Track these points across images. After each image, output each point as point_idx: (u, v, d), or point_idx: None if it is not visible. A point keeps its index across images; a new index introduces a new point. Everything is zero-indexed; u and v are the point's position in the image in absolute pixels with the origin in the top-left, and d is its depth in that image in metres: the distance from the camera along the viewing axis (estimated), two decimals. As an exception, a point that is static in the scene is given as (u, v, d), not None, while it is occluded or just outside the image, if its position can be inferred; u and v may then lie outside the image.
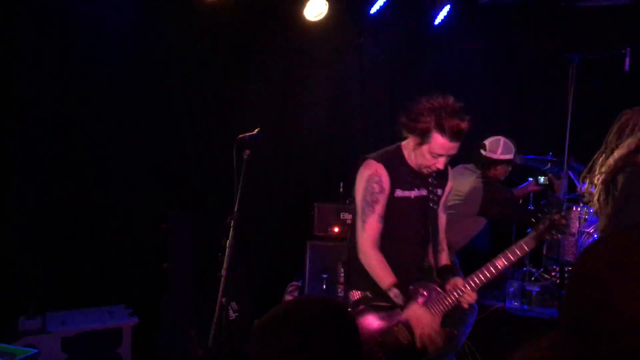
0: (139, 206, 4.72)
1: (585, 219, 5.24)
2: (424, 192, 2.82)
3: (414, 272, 2.84)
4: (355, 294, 2.84)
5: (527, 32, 6.02)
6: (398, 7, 5.52)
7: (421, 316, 2.63)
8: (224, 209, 3.43)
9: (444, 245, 2.94)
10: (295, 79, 5.40)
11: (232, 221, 2.90)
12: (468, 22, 5.79)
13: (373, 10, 5.30)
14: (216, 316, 2.87)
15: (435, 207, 2.86)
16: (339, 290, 4.79)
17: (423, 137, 2.60)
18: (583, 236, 5.11)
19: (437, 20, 5.57)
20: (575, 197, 5.27)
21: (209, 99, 5.06)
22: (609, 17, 6.06)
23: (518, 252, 2.75)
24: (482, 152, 4.21)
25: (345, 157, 5.56)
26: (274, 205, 5.24)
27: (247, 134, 2.93)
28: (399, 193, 2.75)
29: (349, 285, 2.92)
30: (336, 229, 4.89)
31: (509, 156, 4.19)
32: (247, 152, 2.91)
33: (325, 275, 4.76)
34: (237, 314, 4.45)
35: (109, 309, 4.38)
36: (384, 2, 5.29)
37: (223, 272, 2.86)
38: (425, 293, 2.77)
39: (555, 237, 2.84)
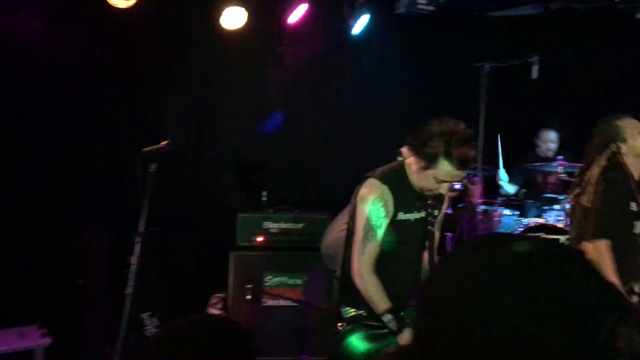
0: (50, 221, 4.54)
1: (501, 221, 5.45)
2: (423, 214, 2.80)
3: (408, 292, 2.84)
4: (349, 311, 2.82)
5: (443, 41, 6.22)
6: (317, 16, 5.57)
7: (408, 338, 2.61)
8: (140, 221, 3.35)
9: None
10: (216, 88, 5.36)
11: (138, 238, 2.82)
12: (385, 31, 5.93)
13: (292, 19, 5.32)
14: (122, 334, 2.79)
15: (432, 228, 2.83)
16: (263, 300, 4.78)
17: (429, 161, 2.55)
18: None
19: (357, 30, 5.65)
20: (490, 200, 5.48)
21: (125, 109, 4.94)
22: (519, 26, 6.35)
23: None
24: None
25: (269, 166, 5.56)
26: (196, 216, 5.16)
27: (154, 147, 2.87)
28: (401, 216, 2.72)
29: (342, 302, 2.88)
30: (260, 239, 4.87)
31: None
32: (154, 165, 2.84)
33: (249, 286, 4.73)
34: (158, 329, 4.35)
35: (20, 329, 4.17)
36: (304, 11, 5.32)
37: (129, 289, 2.78)
38: None
39: None
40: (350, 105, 5.88)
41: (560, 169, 5.18)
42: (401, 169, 2.75)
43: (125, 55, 4.91)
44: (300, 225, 4.92)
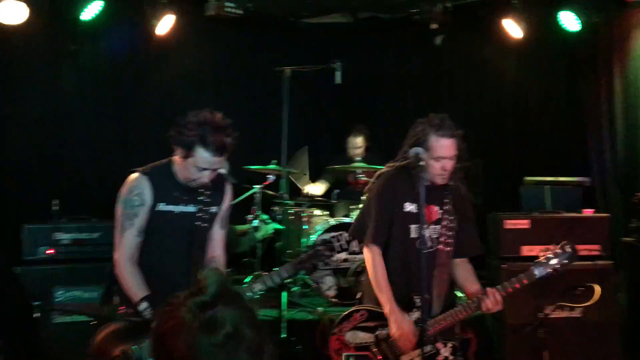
0: None
1: (311, 221, 5.56)
2: (191, 209, 2.80)
3: (182, 286, 2.71)
4: (121, 310, 2.77)
5: (253, 45, 6.27)
6: (117, 14, 5.33)
7: None
8: None
9: (220, 263, 2.92)
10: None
11: None
12: (194, 32, 5.84)
13: (86, 16, 5.02)
14: None
15: (205, 225, 2.83)
16: (54, 316, 4.43)
17: (188, 150, 2.61)
18: (308, 237, 5.40)
19: (161, 30, 5.48)
20: (299, 201, 5.58)
21: None
22: (329, 33, 6.58)
23: (271, 281, 2.87)
24: None
25: (62, 173, 5.20)
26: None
27: None
28: (162, 207, 2.74)
29: (121, 302, 2.81)
30: (50, 251, 4.51)
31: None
32: None
33: (37, 303, 4.35)
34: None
35: None
36: (100, 9, 5.04)
37: None
38: None
39: (315, 265, 3.04)
40: (156, 107, 5.70)
41: (359, 171, 5.42)
42: (168, 163, 2.81)
43: None
44: (96, 235, 4.63)
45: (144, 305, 2.62)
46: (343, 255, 5.04)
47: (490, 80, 6.23)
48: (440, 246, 2.90)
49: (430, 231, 2.92)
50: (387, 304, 2.82)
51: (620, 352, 4.16)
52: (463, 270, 2.99)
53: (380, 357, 2.87)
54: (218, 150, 2.61)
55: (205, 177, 2.69)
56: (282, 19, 6.46)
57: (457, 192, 2.93)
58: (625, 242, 4.56)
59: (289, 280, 5.32)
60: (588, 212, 4.48)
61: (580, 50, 5.58)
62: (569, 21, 5.26)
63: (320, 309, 4.73)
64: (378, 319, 2.88)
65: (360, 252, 5.04)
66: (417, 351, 2.79)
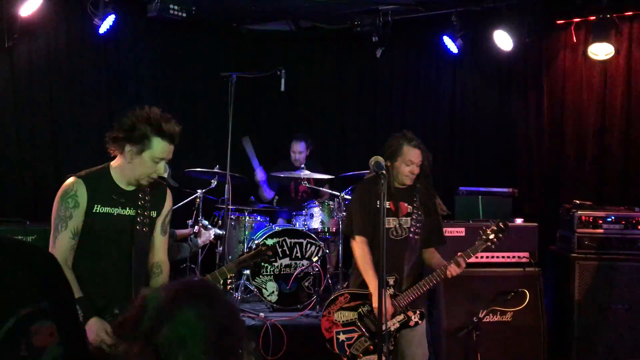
0: None
1: (253, 227, 5.58)
2: (130, 212, 2.80)
3: (122, 290, 2.77)
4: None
5: (195, 48, 6.23)
6: (57, 11, 5.17)
7: (92, 326, 2.59)
8: None
9: (164, 268, 2.95)
10: None
11: None
12: (136, 33, 5.74)
13: (24, 12, 4.84)
14: None
15: (145, 229, 2.84)
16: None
17: (142, 144, 2.65)
18: (250, 242, 5.41)
19: (103, 29, 5.36)
20: (241, 207, 5.58)
21: None
22: (271, 40, 6.62)
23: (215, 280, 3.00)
24: None
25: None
26: None
27: None
28: (98, 209, 2.76)
29: None
30: (-20, 255, 4.30)
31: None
32: None
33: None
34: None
35: None
36: (38, 5, 4.87)
37: None
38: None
39: (257, 264, 3.25)
40: (93, 108, 5.55)
41: (304, 179, 5.48)
42: (104, 167, 2.83)
43: None
44: (30, 238, 4.47)
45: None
46: (285, 261, 5.10)
47: (425, 93, 6.44)
48: (410, 235, 3.48)
49: (402, 222, 3.49)
50: (372, 282, 3.36)
51: (544, 353, 4.42)
52: (430, 255, 3.60)
53: (364, 329, 3.41)
54: (174, 138, 2.69)
55: (161, 169, 2.73)
56: (225, 24, 6.46)
57: (424, 193, 3.52)
58: (552, 250, 4.87)
59: (230, 286, 5.31)
60: (518, 221, 4.73)
61: (512, 67, 5.90)
62: (503, 40, 5.55)
63: (262, 314, 4.75)
64: (358, 299, 3.46)
65: (302, 259, 5.21)
66: (393, 320, 3.39)
